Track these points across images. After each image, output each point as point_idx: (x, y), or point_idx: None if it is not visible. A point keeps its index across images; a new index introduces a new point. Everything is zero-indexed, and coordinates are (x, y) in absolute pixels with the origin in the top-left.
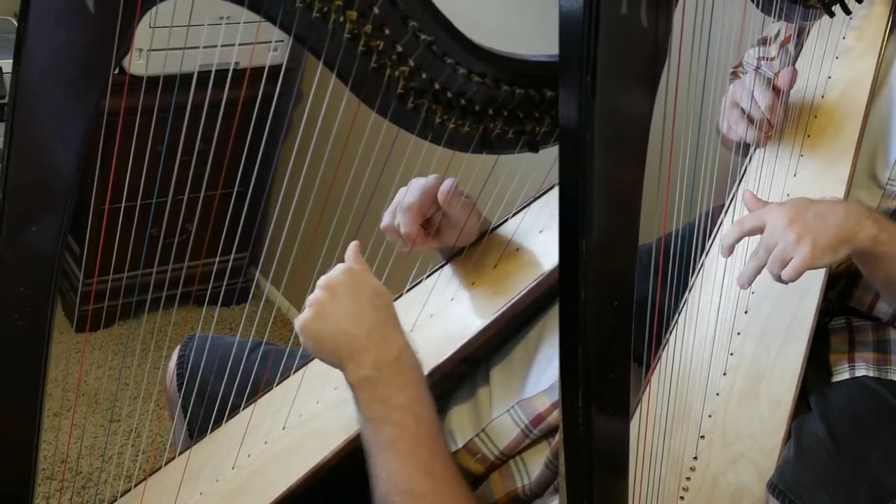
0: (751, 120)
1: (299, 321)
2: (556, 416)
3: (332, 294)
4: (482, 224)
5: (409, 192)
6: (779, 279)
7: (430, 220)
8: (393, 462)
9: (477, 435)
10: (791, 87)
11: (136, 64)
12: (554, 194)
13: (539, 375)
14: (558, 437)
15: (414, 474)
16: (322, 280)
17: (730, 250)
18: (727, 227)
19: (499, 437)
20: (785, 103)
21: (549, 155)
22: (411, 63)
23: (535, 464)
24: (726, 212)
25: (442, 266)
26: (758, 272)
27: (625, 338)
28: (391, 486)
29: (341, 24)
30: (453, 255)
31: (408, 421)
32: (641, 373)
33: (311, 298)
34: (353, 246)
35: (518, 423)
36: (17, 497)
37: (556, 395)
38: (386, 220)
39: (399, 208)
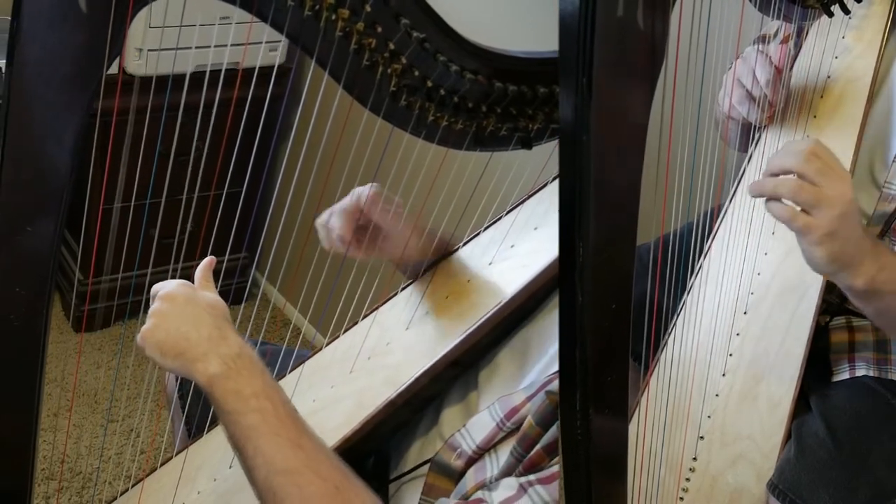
0: (752, 98)
1: (140, 334)
2: (528, 407)
3: (171, 303)
4: (440, 239)
5: (346, 198)
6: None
7: (363, 227)
8: (265, 445)
9: (458, 430)
10: (784, 62)
11: (136, 64)
12: (548, 191)
13: (526, 378)
14: (525, 424)
15: (287, 451)
16: (159, 291)
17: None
18: (724, 229)
19: (477, 432)
20: (787, 82)
21: (544, 151)
22: (403, 60)
23: (506, 454)
24: (725, 212)
25: (431, 269)
26: (769, 192)
27: (623, 340)
28: (269, 469)
29: (333, 22)
30: (423, 272)
31: (265, 405)
32: (640, 371)
33: (150, 309)
34: (206, 261)
35: (494, 417)
36: (15, 496)
37: (532, 391)
38: (322, 216)
39: (333, 212)
